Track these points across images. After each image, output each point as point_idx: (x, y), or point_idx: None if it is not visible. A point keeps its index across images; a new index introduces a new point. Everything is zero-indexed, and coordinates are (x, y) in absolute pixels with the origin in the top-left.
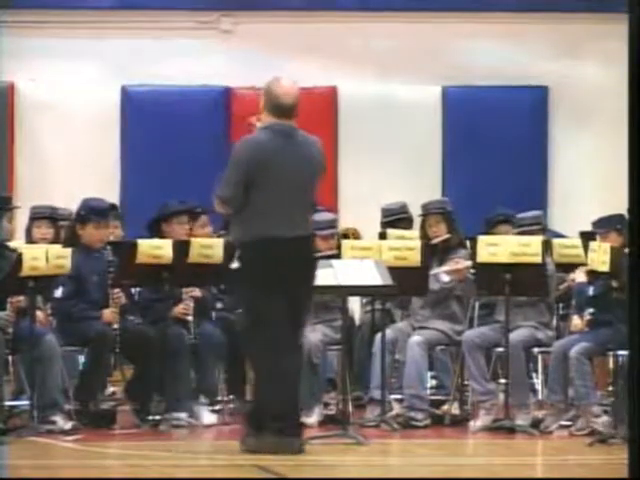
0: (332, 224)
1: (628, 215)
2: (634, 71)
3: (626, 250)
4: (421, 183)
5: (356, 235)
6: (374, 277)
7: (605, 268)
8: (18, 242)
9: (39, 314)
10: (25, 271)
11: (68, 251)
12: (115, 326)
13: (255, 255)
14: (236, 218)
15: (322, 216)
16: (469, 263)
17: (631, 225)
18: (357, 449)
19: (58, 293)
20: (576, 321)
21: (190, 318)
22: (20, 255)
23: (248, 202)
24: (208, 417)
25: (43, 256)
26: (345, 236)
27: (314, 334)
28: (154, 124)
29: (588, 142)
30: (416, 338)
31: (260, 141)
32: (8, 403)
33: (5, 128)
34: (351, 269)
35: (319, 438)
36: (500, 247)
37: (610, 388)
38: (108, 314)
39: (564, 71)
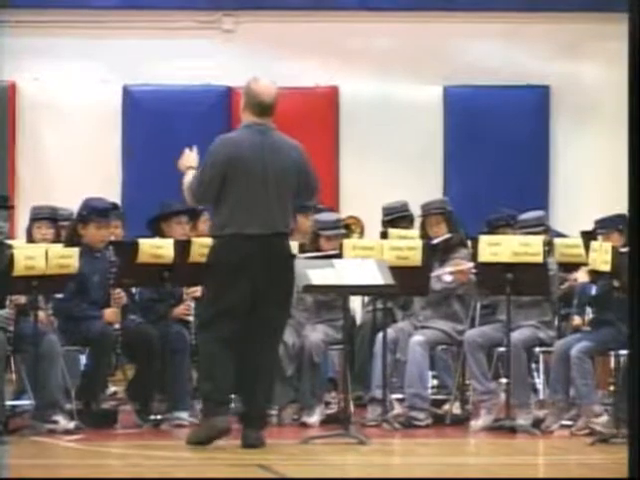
0: (337, 224)
1: (628, 214)
2: (634, 71)
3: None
4: (422, 183)
5: (358, 224)
6: (375, 277)
7: (607, 268)
8: (19, 242)
9: (40, 314)
10: (19, 270)
11: (72, 251)
12: (116, 326)
13: (224, 251)
14: (212, 214)
15: (327, 216)
16: (471, 264)
17: (631, 225)
18: (358, 449)
19: (59, 293)
20: (577, 320)
21: (191, 318)
22: (12, 254)
23: (222, 198)
24: None
25: (41, 256)
26: (347, 227)
27: (315, 333)
28: (155, 124)
29: (589, 141)
30: (417, 338)
31: (235, 138)
32: (9, 403)
33: (6, 128)
34: (352, 268)
35: (320, 438)
36: (501, 247)
37: (611, 388)
38: (109, 314)
39: (565, 71)
